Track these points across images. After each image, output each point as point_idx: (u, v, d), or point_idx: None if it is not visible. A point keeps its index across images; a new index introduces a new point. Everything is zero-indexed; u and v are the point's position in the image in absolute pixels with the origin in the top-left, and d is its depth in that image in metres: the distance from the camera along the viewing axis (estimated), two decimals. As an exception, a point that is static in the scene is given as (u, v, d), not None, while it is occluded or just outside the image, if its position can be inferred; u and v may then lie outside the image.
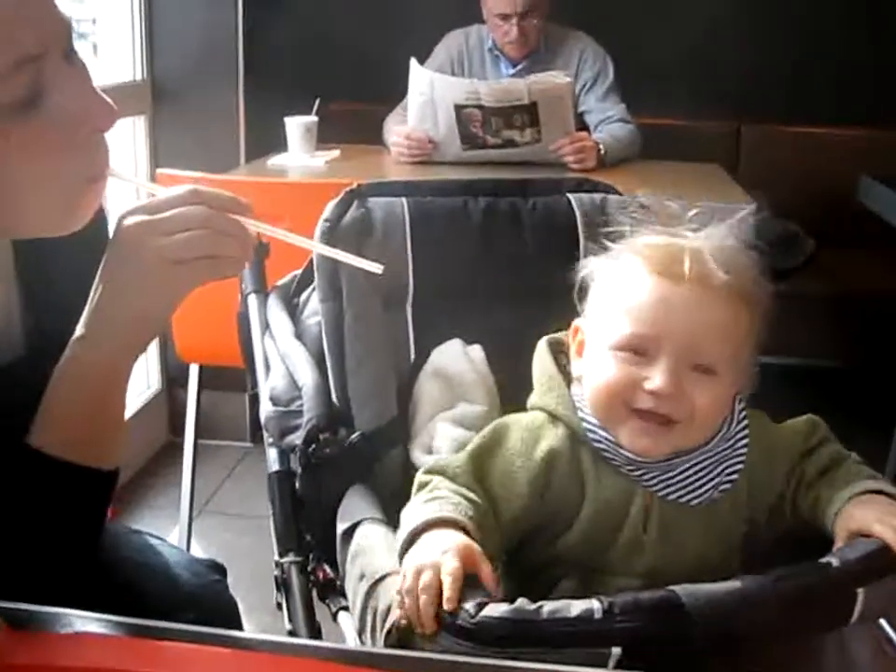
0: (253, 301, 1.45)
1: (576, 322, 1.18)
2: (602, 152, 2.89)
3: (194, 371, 2.56)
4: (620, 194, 1.44)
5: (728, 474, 1.12)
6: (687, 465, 1.10)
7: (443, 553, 0.93)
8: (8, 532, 0.92)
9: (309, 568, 1.24)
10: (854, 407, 3.19)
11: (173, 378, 3.25)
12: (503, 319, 1.35)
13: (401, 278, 1.33)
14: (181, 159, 2.69)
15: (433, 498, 1.03)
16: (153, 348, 3.20)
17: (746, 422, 1.14)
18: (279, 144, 3.00)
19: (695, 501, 1.10)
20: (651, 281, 1.09)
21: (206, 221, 0.91)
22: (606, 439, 1.10)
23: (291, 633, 1.21)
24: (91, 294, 0.94)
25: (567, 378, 1.17)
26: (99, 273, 0.94)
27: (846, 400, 3.24)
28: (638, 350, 1.08)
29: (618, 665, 0.86)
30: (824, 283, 3.30)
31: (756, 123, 3.74)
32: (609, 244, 1.17)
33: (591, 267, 1.17)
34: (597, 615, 0.88)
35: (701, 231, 1.12)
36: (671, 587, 0.92)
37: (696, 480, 1.11)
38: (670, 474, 1.10)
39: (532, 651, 0.85)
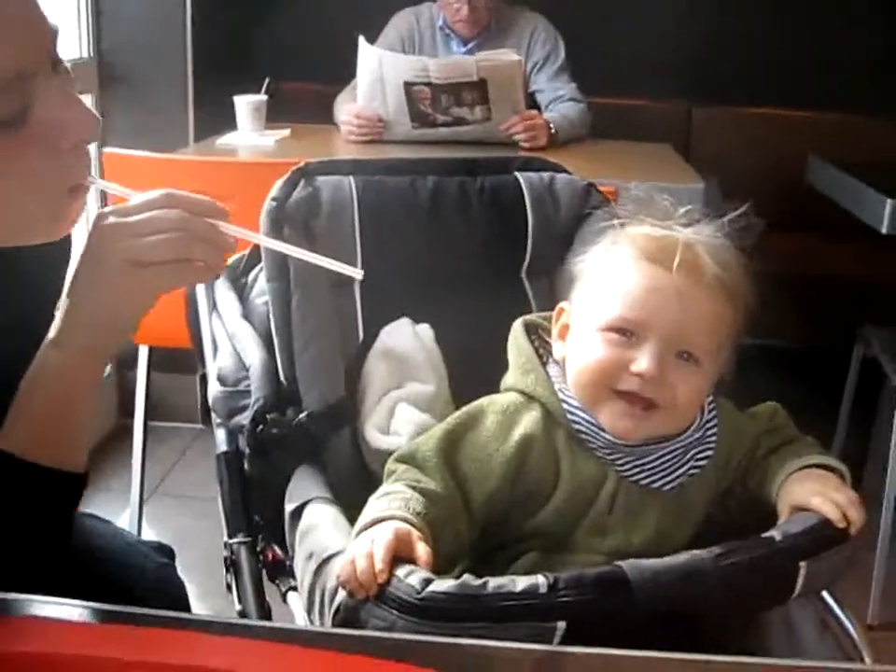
0: (201, 281, 1.43)
1: (561, 305, 1.19)
2: (553, 131, 2.90)
3: (144, 352, 2.54)
4: (568, 173, 1.44)
5: (697, 460, 1.14)
6: (660, 451, 1.12)
7: (378, 533, 0.95)
8: None
9: (258, 549, 1.24)
10: (802, 386, 3.24)
11: (123, 360, 3.21)
12: (452, 299, 1.35)
13: (350, 257, 1.32)
14: (129, 138, 2.65)
15: (385, 494, 1.04)
16: (102, 330, 3.16)
17: (715, 411, 1.16)
18: (229, 124, 2.98)
19: (666, 487, 1.12)
20: (644, 268, 1.10)
21: (180, 224, 0.91)
22: (585, 420, 1.12)
23: (241, 614, 1.20)
24: (64, 296, 0.94)
25: (542, 360, 1.18)
26: (72, 274, 0.93)
27: (794, 380, 3.29)
28: (626, 333, 1.09)
29: (563, 639, 0.87)
30: (773, 264, 3.30)
31: (707, 104, 3.76)
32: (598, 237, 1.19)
33: (582, 257, 1.19)
34: (542, 590, 0.88)
35: (691, 227, 1.14)
36: (618, 562, 0.93)
37: (667, 465, 1.13)
38: (644, 460, 1.12)
39: (477, 626, 0.85)
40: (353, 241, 1.32)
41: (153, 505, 2.78)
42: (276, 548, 1.23)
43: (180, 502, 2.83)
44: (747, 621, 1.08)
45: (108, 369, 3.22)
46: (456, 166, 1.40)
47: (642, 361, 1.08)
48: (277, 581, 1.21)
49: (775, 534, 1.02)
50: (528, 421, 1.12)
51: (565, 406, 1.13)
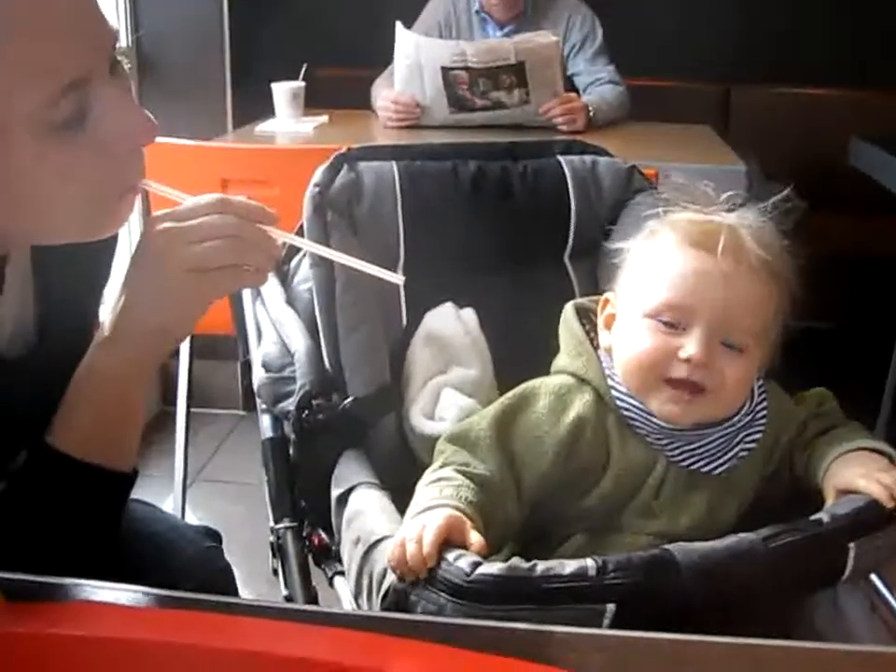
0: (244, 268, 1.44)
1: (606, 294, 1.20)
2: (591, 114, 2.88)
3: (186, 339, 2.55)
4: (610, 156, 1.43)
5: (746, 443, 1.14)
6: (710, 436, 1.13)
7: (429, 519, 0.95)
8: (25, 530, 0.93)
9: (304, 534, 1.24)
10: (846, 367, 3.21)
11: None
12: (495, 283, 1.35)
13: (392, 242, 1.32)
14: (167, 126, 2.60)
15: (436, 481, 1.04)
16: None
17: (765, 395, 1.16)
18: (267, 111, 2.98)
19: (715, 471, 1.13)
20: (689, 253, 1.11)
21: (235, 230, 0.91)
22: (634, 406, 1.12)
23: (288, 599, 1.21)
24: (116, 299, 0.94)
25: (593, 345, 1.18)
26: (123, 278, 0.94)
27: (838, 361, 3.26)
28: (672, 320, 1.10)
29: (613, 622, 0.87)
30: (815, 245, 3.28)
31: (746, 85, 3.72)
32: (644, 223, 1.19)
33: (627, 246, 1.19)
34: (591, 572, 0.89)
35: (734, 213, 1.14)
36: (666, 546, 0.93)
37: (717, 450, 1.13)
38: (693, 444, 1.12)
39: (526, 609, 0.86)
40: (396, 226, 1.32)
41: (195, 491, 2.80)
42: (322, 533, 1.23)
43: (222, 488, 2.85)
44: (795, 604, 1.07)
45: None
46: (498, 150, 1.40)
47: (690, 347, 1.08)
48: (323, 566, 1.22)
49: (822, 516, 1.02)
50: (580, 404, 1.13)
51: (614, 392, 1.13)
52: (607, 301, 1.19)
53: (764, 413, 1.16)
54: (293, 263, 1.43)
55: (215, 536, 1.26)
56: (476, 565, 0.88)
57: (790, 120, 3.63)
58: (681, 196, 1.16)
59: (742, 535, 0.98)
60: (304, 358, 1.22)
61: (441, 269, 1.33)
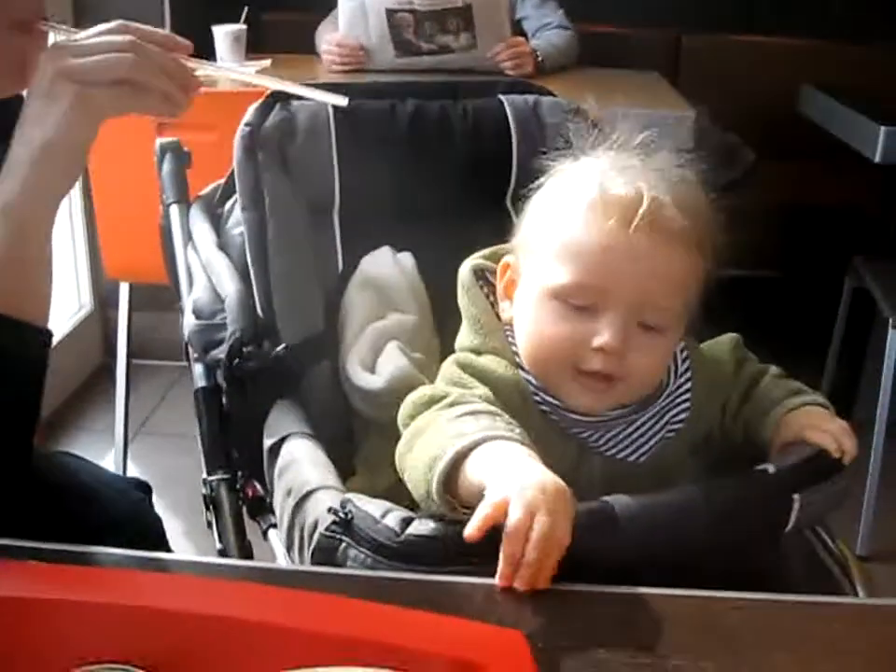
0: (174, 211, 1.39)
1: (506, 259, 1.08)
2: (539, 59, 2.83)
3: (124, 289, 2.49)
4: (553, 96, 1.38)
5: (672, 424, 1.06)
6: (632, 422, 1.05)
7: (557, 498, 0.82)
8: None
9: (238, 486, 1.20)
10: (793, 317, 3.22)
11: (105, 298, 3.16)
12: (434, 227, 1.30)
13: (327, 185, 1.27)
14: (105, 71, 2.58)
15: (477, 412, 0.94)
16: (83, 267, 3.12)
17: (688, 366, 1.08)
18: (208, 55, 2.90)
19: (642, 458, 1.04)
20: (603, 224, 0.97)
21: (129, 47, 0.88)
22: (545, 395, 1.03)
23: (221, 552, 1.18)
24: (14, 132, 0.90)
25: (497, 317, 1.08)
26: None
27: (785, 311, 3.27)
28: (583, 302, 0.98)
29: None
30: (764, 194, 3.28)
31: (696, 32, 3.68)
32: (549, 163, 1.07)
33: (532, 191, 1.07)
34: None
35: (653, 158, 1.02)
36: (606, 498, 0.90)
37: (642, 435, 1.05)
38: (613, 432, 1.04)
39: (460, 568, 0.82)
40: (330, 166, 1.27)
41: (138, 444, 2.75)
42: (257, 484, 1.19)
43: (166, 440, 2.80)
44: (740, 555, 1.05)
45: (90, 307, 3.17)
46: (438, 90, 1.35)
47: (604, 334, 0.97)
48: (258, 519, 1.18)
49: (768, 466, 0.98)
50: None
51: (523, 376, 1.03)
52: (506, 266, 1.07)
53: (689, 387, 1.07)
54: (227, 207, 1.38)
55: (145, 488, 1.22)
56: (406, 522, 0.85)
57: (740, 69, 3.59)
58: (593, 129, 1.07)
59: (684, 487, 0.95)
60: (235, 305, 1.18)
61: (378, 212, 1.29)
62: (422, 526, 0.85)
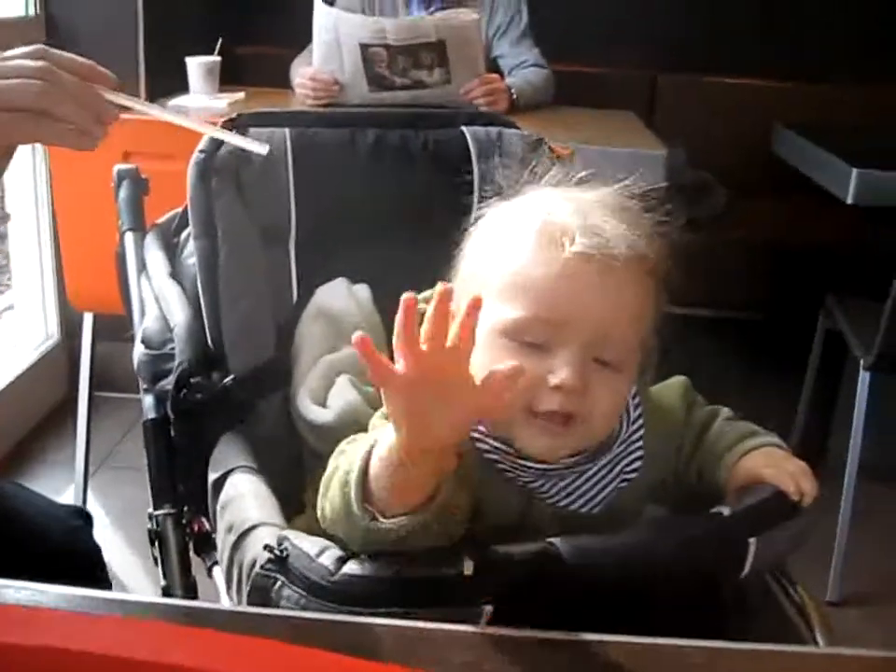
0: (129, 239, 1.36)
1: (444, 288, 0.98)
2: (514, 97, 2.83)
3: (88, 320, 2.46)
4: (517, 128, 1.36)
5: (626, 473, 1.01)
6: (585, 472, 0.99)
7: None
8: None
9: (185, 521, 1.17)
10: (768, 356, 3.21)
11: (72, 328, 3.12)
12: (393, 257, 1.27)
13: (283, 214, 1.24)
14: (77, 99, 2.56)
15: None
16: (51, 297, 3.08)
17: (640, 413, 1.03)
18: (183, 86, 2.89)
19: (595, 510, 0.98)
20: (553, 254, 0.93)
21: (42, 74, 0.85)
22: (494, 445, 0.96)
23: (165, 589, 1.14)
24: None
25: None
26: None
27: (758, 351, 3.26)
28: (537, 339, 0.93)
29: (495, 617, 0.80)
30: (738, 233, 3.29)
31: (672, 72, 3.70)
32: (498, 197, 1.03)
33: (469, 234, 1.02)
34: (467, 571, 0.81)
35: (601, 189, 0.98)
36: (552, 539, 0.86)
37: (594, 486, 0.99)
38: (566, 482, 0.98)
39: (395, 611, 0.78)
40: (287, 195, 1.24)
41: (101, 477, 2.70)
42: (203, 520, 1.16)
43: (129, 473, 2.74)
44: (695, 599, 1.01)
45: (57, 337, 3.13)
46: (399, 119, 1.33)
47: (561, 371, 0.91)
48: (203, 555, 1.14)
49: (723, 509, 0.95)
50: None
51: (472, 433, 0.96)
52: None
53: (641, 434, 1.02)
54: (183, 236, 1.35)
55: (83, 515, 1.19)
56: (342, 561, 0.82)
57: (715, 109, 3.61)
58: (543, 161, 1.03)
59: (636, 528, 0.92)
60: (184, 334, 1.15)
61: (335, 241, 1.26)
62: (357, 566, 0.81)
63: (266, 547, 0.85)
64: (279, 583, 0.82)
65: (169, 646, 0.60)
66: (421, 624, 0.72)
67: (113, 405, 2.99)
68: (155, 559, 1.19)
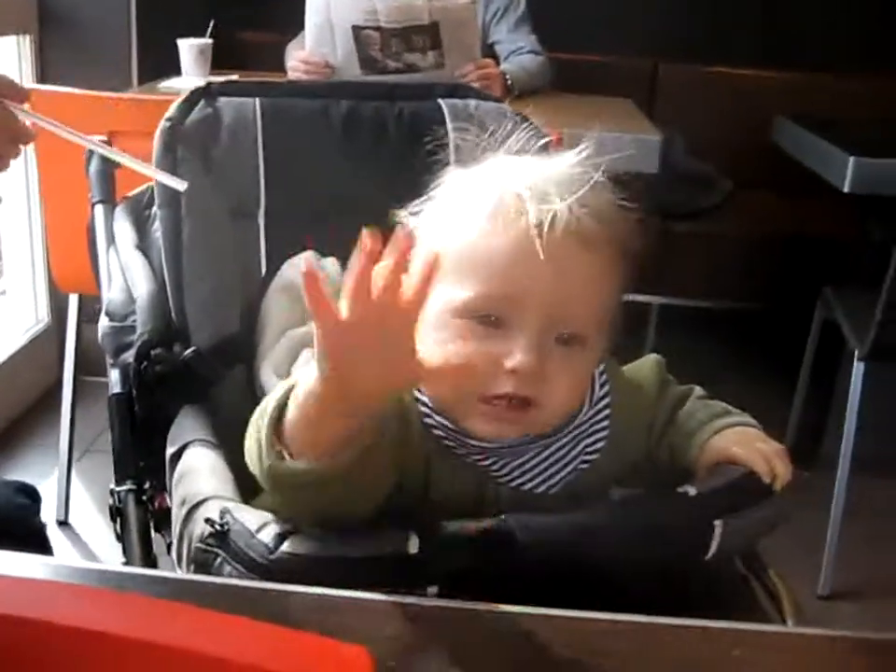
0: (99, 211, 1.33)
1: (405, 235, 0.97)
2: (509, 82, 2.79)
3: (74, 301, 2.43)
4: (497, 101, 1.33)
5: (587, 454, 0.96)
6: (541, 450, 0.94)
7: None
8: None
9: (146, 497, 1.14)
10: (764, 347, 3.18)
11: (63, 312, 3.09)
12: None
13: (252, 186, 1.21)
14: (70, 82, 2.53)
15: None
16: (41, 280, 3.06)
17: (607, 395, 0.98)
18: (176, 69, 2.86)
19: (552, 490, 0.94)
20: (507, 228, 0.88)
21: None
22: (443, 425, 0.92)
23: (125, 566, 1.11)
24: None
25: None
26: None
27: (755, 342, 3.23)
28: (490, 318, 0.87)
29: (441, 593, 0.77)
30: (738, 224, 3.26)
31: (673, 62, 3.67)
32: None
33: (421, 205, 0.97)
34: (412, 550, 0.77)
35: (564, 161, 0.92)
36: (504, 518, 0.82)
37: (552, 465, 0.94)
38: (521, 460, 0.93)
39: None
40: (255, 167, 1.21)
41: (87, 462, 2.67)
42: (166, 496, 1.13)
43: (115, 459, 2.72)
44: (658, 580, 0.97)
45: (47, 321, 3.11)
46: (374, 90, 1.29)
47: (517, 353, 0.86)
48: (164, 532, 1.11)
49: (689, 488, 0.91)
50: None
51: (420, 408, 0.92)
52: None
53: (607, 413, 0.98)
54: (154, 209, 1.32)
55: (29, 492, 1.16)
56: (282, 538, 0.78)
57: (717, 99, 3.58)
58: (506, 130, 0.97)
59: (594, 507, 0.88)
60: (146, 305, 1.12)
61: (305, 215, 1.23)
62: (296, 543, 0.78)
63: (207, 520, 0.82)
64: (219, 559, 0.79)
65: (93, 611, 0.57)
66: (363, 595, 0.69)
67: (102, 389, 2.96)
68: (117, 535, 1.16)
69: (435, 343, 0.88)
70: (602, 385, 0.99)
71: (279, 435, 0.82)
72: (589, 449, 0.97)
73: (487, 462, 0.93)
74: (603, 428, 0.98)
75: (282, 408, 0.82)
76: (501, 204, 0.89)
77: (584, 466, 0.96)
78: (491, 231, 0.88)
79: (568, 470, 0.95)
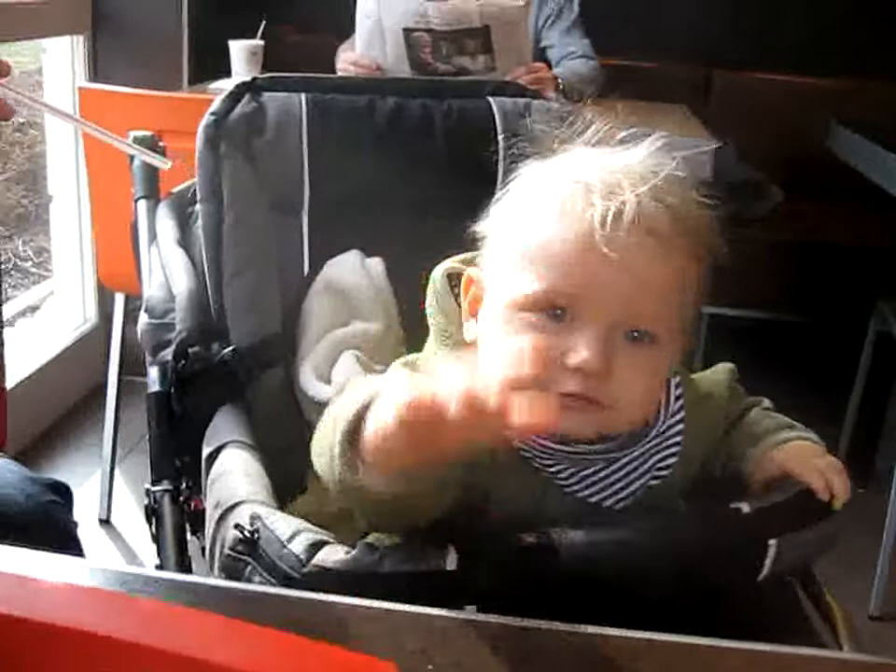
0: (142, 206, 1.32)
1: (469, 271, 0.93)
2: (560, 86, 2.76)
3: (119, 300, 2.43)
4: (547, 99, 1.30)
5: (659, 469, 0.92)
6: (611, 462, 0.90)
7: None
8: None
9: (182, 498, 1.12)
10: (816, 360, 3.11)
11: (110, 311, 3.10)
12: (410, 231, 1.22)
13: (296, 183, 1.19)
14: (122, 82, 2.54)
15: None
16: (89, 279, 3.06)
17: (682, 409, 0.93)
18: (226, 70, 2.86)
19: (620, 504, 0.89)
20: (576, 221, 0.83)
21: None
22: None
23: (159, 569, 1.09)
24: None
25: None
26: None
27: (808, 354, 3.16)
28: (556, 312, 0.84)
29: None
30: (791, 232, 3.20)
31: (727, 69, 3.62)
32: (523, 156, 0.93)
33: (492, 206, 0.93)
34: (450, 566, 0.73)
35: (637, 154, 0.88)
36: (548, 530, 0.78)
37: (622, 479, 0.90)
38: (591, 471, 0.89)
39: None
40: (300, 163, 1.19)
41: (132, 461, 2.66)
42: (202, 498, 1.11)
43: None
44: (709, 600, 0.93)
45: (95, 320, 3.11)
46: (421, 87, 1.27)
47: (582, 350, 0.81)
48: (199, 534, 1.09)
49: (742, 505, 0.86)
50: None
51: None
52: (470, 279, 0.92)
53: (680, 429, 0.92)
54: (198, 206, 1.30)
55: (61, 490, 1.14)
56: (315, 548, 0.74)
57: (770, 107, 3.52)
58: (577, 127, 0.92)
59: (644, 524, 0.84)
60: (185, 302, 1.10)
61: (350, 214, 1.20)
62: (331, 554, 0.74)
63: (237, 526, 0.79)
64: (249, 568, 0.76)
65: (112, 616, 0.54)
66: (399, 607, 0.66)
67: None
68: (152, 536, 1.14)
69: (499, 336, 0.85)
70: (678, 399, 0.93)
71: (353, 441, 0.76)
72: (660, 464, 0.92)
73: (554, 469, 0.88)
74: (676, 444, 0.92)
75: (359, 419, 0.76)
76: (570, 196, 0.85)
77: (655, 482, 0.91)
78: (558, 222, 0.85)
79: (638, 485, 0.90)
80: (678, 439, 0.93)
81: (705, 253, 0.88)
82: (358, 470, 0.75)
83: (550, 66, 2.92)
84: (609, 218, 0.82)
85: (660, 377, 0.90)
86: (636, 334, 0.85)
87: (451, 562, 0.74)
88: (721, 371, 1.06)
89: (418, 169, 1.23)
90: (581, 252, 0.83)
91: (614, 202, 0.83)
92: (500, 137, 1.24)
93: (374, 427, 0.73)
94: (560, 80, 2.78)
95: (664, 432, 0.92)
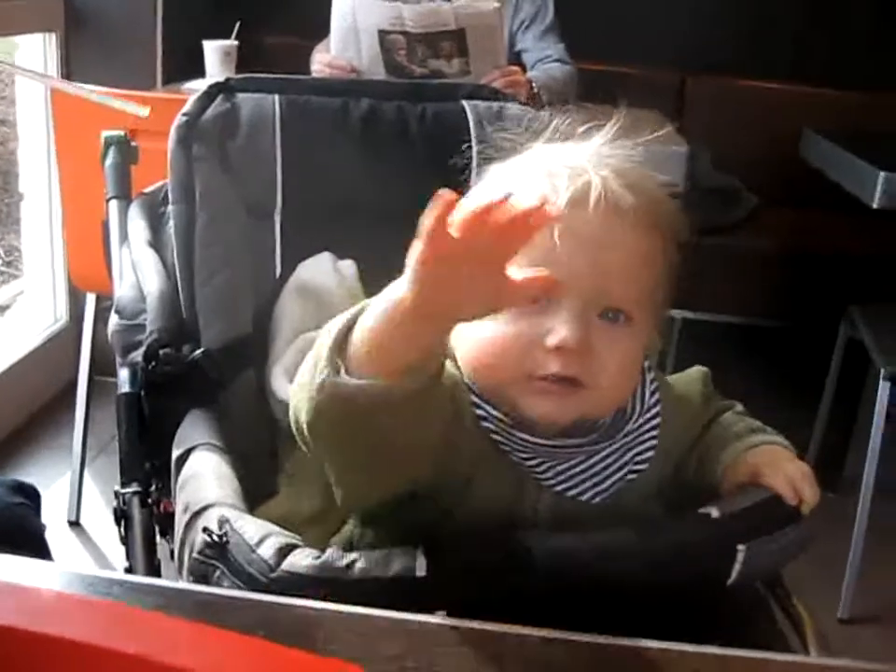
0: (114, 206, 1.31)
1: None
2: (535, 90, 2.76)
3: (90, 300, 2.41)
4: (522, 103, 1.30)
5: (636, 463, 0.93)
6: (589, 456, 0.91)
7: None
8: None
9: (151, 501, 1.11)
10: (788, 366, 3.12)
11: (82, 312, 3.08)
12: (383, 234, 1.21)
13: (269, 184, 1.19)
14: (95, 81, 2.52)
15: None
16: (60, 278, 3.04)
17: (658, 403, 0.95)
18: (200, 70, 2.85)
19: (597, 499, 0.91)
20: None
21: None
22: (492, 414, 0.89)
23: (128, 571, 1.08)
24: None
25: None
26: None
27: (780, 359, 3.18)
28: (533, 297, 0.84)
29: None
30: (763, 239, 3.22)
31: (702, 75, 3.63)
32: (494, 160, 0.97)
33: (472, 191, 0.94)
34: (420, 573, 0.73)
35: (598, 140, 0.92)
36: (522, 537, 0.79)
37: (599, 473, 0.91)
38: (568, 465, 0.90)
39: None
40: (273, 164, 1.19)
41: (101, 463, 2.64)
42: (172, 500, 1.10)
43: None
44: (678, 605, 0.93)
45: (65, 320, 3.09)
46: (396, 89, 1.27)
47: (560, 330, 0.84)
48: (168, 537, 1.08)
49: (712, 510, 0.87)
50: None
51: (469, 393, 0.89)
52: None
53: (657, 423, 0.95)
54: (170, 207, 1.29)
55: (28, 492, 1.13)
56: (284, 553, 0.74)
57: (745, 114, 3.54)
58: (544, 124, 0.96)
59: (616, 529, 0.84)
60: (156, 303, 1.10)
61: (323, 215, 1.20)
62: (300, 559, 0.74)
63: (205, 530, 0.79)
64: (218, 573, 0.76)
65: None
66: (351, 609, 0.66)
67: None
68: (121, 538, 1.13)
69: (474, 324, 0.84)
70: (653, 394, 0.95)
71: (342, 349, 0.77)
72: (638, 458, 0.93)
73: (533, 462, 0.89)
74: (652, 437, 0.94)
75: (348, 330, 0.77)
76: (535, 183, 0.87)
77: (632, 476, 0.92)
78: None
79: (615, 480, 0.91)
80: (654, 433, 0.95)
81: (672, 234, 0.92)
82: (340, 371, 0.75)
83: (525, 70, 2.93)
84: (580, 200, 0.85)
85: (636, 358, 0.92)
86: (610, 315, 0.87)
87: (420, 567, 0.74)
88: (694, 375, 1.08)
89: (392, 171, 1.23)
90: (550, 234, 0.84)
91: (578, 182, 0.86)
92: (474, 141, 1.24)
93: (361, 327, 0.75)
94: (534, 84, 2.78)
95: (640, 426, 0.94)
